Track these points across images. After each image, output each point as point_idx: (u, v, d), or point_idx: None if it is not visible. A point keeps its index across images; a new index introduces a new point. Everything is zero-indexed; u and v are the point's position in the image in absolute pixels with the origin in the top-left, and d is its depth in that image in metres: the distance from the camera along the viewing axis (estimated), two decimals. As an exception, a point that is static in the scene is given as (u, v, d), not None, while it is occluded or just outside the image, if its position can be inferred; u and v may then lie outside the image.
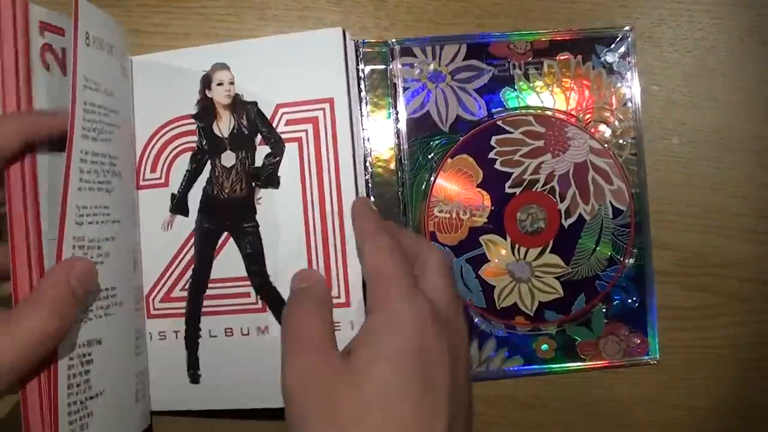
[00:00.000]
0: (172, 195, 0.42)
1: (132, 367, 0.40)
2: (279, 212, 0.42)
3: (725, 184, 0.46)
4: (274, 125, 0.42)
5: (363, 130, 0.44)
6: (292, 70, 0.42)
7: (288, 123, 0.42)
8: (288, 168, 0.42)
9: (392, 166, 0.45)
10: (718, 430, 0.47)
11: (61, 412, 0.33)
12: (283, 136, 0.42)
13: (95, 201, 0.36)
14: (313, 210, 0.41)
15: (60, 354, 0.33)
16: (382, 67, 0.45)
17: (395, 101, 0.45)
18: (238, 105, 0.42)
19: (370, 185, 0.44)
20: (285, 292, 0.41)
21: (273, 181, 0.42)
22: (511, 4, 0.46)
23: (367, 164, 0.44)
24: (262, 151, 0.42)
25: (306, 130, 0.42)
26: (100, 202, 0.36)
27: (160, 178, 0.43)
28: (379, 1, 0.46)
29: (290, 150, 0.42)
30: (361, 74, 0.45)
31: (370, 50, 0.45)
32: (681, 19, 0.47)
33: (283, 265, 0.41)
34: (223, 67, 0.42)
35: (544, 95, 0.45)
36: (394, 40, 0.45)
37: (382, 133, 0.45)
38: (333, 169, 0.41)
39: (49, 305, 0.31)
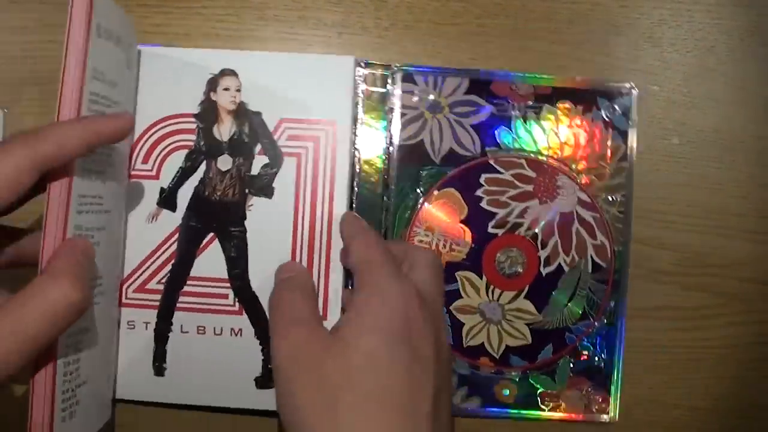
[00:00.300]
0: (162, 189, 0.42)
1: (110, 355, 0.41)
2: (269, 221, 0.42)
3: (725, 184, 0.47)
4: (275, 138, 0.42)
5: (355, 150, 0.44)
6: (300, 89, 0.42)
7: (290, 138, 0.42)
8: (284, 181, 0.42)
9: (379, 189, 0.45)
10: (718, 430, 0.47)
11: (57, 398, 0.32)
12: (283, 149, 0.42)
13: (91, 190, 0.35)
14: (302, 224, 0.42)
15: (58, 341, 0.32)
16: (382, 90, 0.45)
17: (390, 126, 0.45)
18: (241, 112, 0.42)
19: (354, 206, 0.44)
20: (264, 299, 0.42)
21: (267, 191, 0.42)
22: (511, 4, 0.46)
23: (354, 185, 0.44)
24: (260, 161, 0.42)
25: (307, 148, 0.42)
26: (96, 191, 0.36)
27: (151, 170, 0.42)
28: (379, 1, 0.46)
29: (288, 164, 0.42)
30: (359, 94, 0.44)
31: (371, 72, 0.45)
32: (681, 19, 0.47)
33: (266, 273, 0.41)
34: (232, 73, 0.42)
35: (539, 140, 0.45)
36: (397, 65, 0.45)
37: (372, 156, 0.45)
38: (328, 189, 0.42)
39: (69, 278, 0.29)
